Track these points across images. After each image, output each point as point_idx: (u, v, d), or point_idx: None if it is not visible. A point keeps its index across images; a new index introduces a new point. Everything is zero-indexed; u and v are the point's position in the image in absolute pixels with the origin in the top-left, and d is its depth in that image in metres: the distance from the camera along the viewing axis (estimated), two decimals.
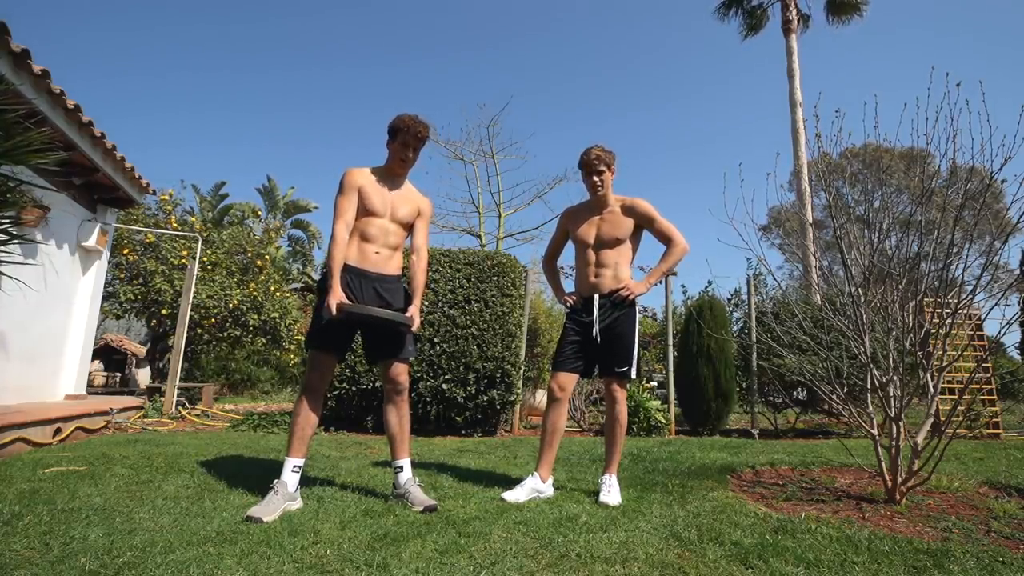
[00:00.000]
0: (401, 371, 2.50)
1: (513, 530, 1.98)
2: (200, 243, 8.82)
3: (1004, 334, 2.71)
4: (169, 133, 50.44)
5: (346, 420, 5.40)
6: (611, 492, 2.52)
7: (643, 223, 2.78)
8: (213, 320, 9.69)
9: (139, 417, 5.54)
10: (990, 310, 2.58)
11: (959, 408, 4.22)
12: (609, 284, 2.71)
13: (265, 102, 51.13)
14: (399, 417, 2.50)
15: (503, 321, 5.44)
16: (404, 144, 2.52)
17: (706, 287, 7.04)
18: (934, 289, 2.72)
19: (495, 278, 5.65)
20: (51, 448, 3.65)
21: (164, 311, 9.42)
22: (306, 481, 2.58)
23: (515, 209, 14.01)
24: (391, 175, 2.60)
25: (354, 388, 5.32)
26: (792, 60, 13.38)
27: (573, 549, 1.79)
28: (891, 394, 2.64)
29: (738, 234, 3.06)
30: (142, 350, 13.65)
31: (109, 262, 6.77)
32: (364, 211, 2.49)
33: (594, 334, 2.66)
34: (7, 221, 2.43)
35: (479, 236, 13.80)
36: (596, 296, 2.71)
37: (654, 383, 8.75)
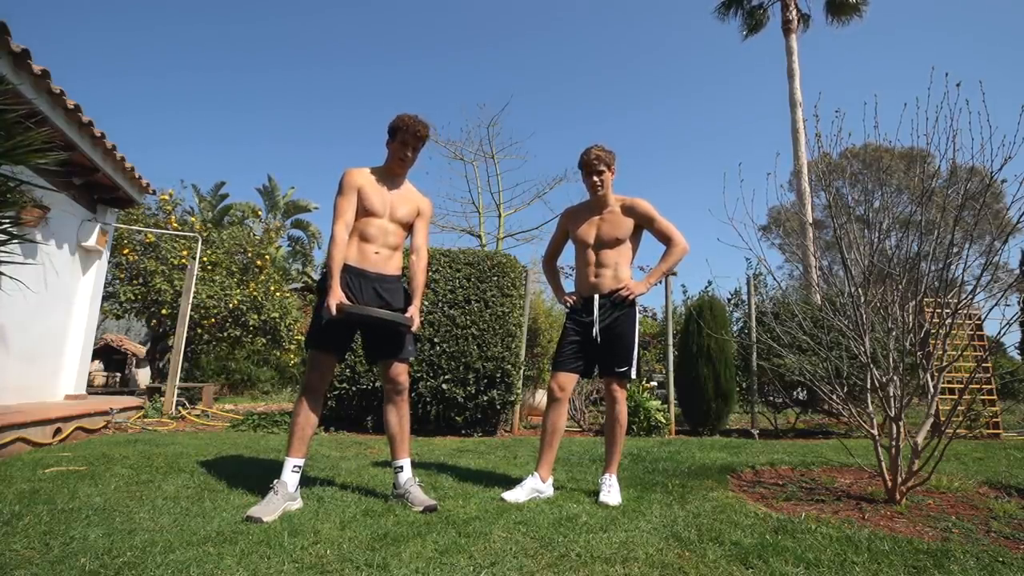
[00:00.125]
0: (401, 371, 2.50)
1: (513, 530, 1.98)
2: (200, 243, 8.82)
3: (1004, 334, 2.71)
4: (169, 133, 50.56)
5: (346, 420, 5.40)
6: (611, 492, 2.52)
7: (643, 223, 2.78)
8: (213, 320, 9.69)
9: (139, 417, 5.54)
10: (990, 310, 2.59)
11: (959, 408, 4.23)
12: (609, 284, 2.71)
13: (265, 102, 51.22)
14: (399, 417, 2.50)
15: (503, 321, 5.44)
16: (403, 143, 2.52)
17: (706, 287, 7.05)
18: (934, 289, 2.72)
19: (495, 278, 5.65)
20: (51, 448, 3.65)
21: (164, 311, 9.43)
22: (306, 481, 2.58)
23: (515, 209, 14.03)
24: (390, 175, 2.60)
25: (354, 388, 5.32)
26: (792, 60, 13.38)
27: (573, 549, 1.79)
28: (891, 394, 2.64)
29: (738, 234, 3.07)
30: (142, 350, 13.65)
31: (109, 262, 6.77)
32: (363, 211, 2.49)
33: (594, 334, 2.66)
34: (7, 221, 2.43)
35: (479, 236, 13.81)
36: (596, 296, 2.71)
37: (654, 383, 8.74)
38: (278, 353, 12.09)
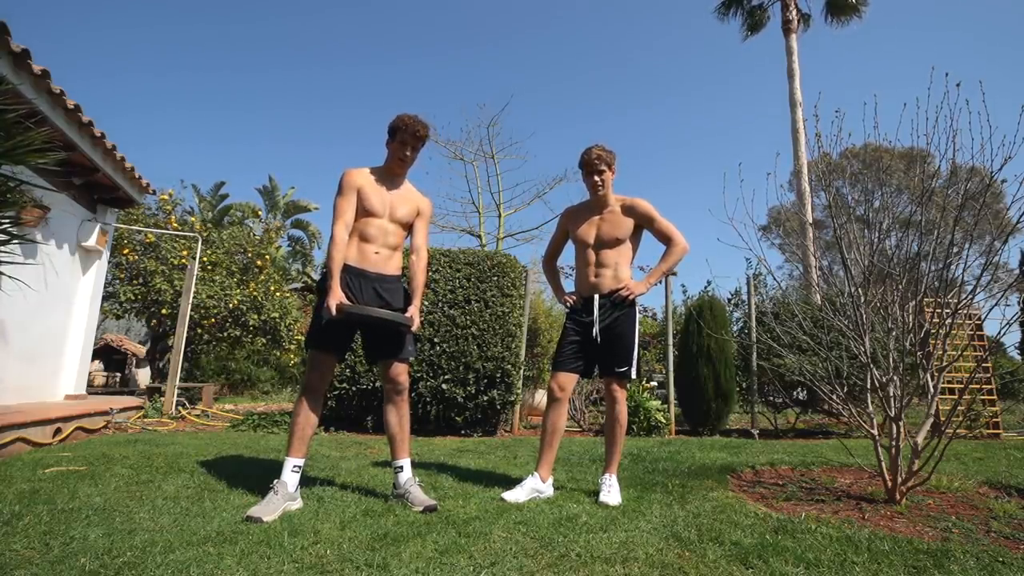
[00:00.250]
0: (401, 371, 2.50)
1: (513, 530, 1.98)
2: (200, 243, 8.82)
3: (1004, 334, 2.71)
4: (169, 132, 50.58)
5: (346, 420, 5.40)
6: (611, 492, 2.52)
7: (643, 223, 2.78)
8: (213, 320, 9.69)
9: (139, 417, 5.54)
10: (990, 310, 2.58)
11: (959, 408, 4.23)
12: (609, 284, 2.71)
13: (265, 102, 51.23)
14: (399, 417, 2.50)
15: (503, 321, 5.44)
16: (403, 143, 2.52)
17: (706, 287, 7.04)
18: (934, 289, 2.72)
19: (495, 278, 5.65)
20: (51, 448, 3.65)
21: (164, 311, 9.43)
22: (306, 481, 2.58)
23: (515, 209, 14.04)
24: (390, 175, 2.60)
25: (354, 388, 5.32)
26: (792, 60, 13.38)
27: (573, 549, 1.79)
28: (891, 394, 2.64)
29: (738, 234, 3.07)
30: (142, 350, 13.65)
31: (109, 262, 6.77)
32: (363, 211, 2.49)
33: (594, 334, 2.66)
34: (7, 221, 2.42)
35: (479, 236, 13.81)
36: (596, 296, 2.71)
37: (654, 383, 8.74)
38: (278, 353, 12.09)
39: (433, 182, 28.05)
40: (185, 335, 6.66)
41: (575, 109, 43.74)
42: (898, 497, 2.53)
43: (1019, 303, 4.45)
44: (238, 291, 9.91)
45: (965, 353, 5.68)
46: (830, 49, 46.90)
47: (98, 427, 4.57)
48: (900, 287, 2.74)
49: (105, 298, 8.38)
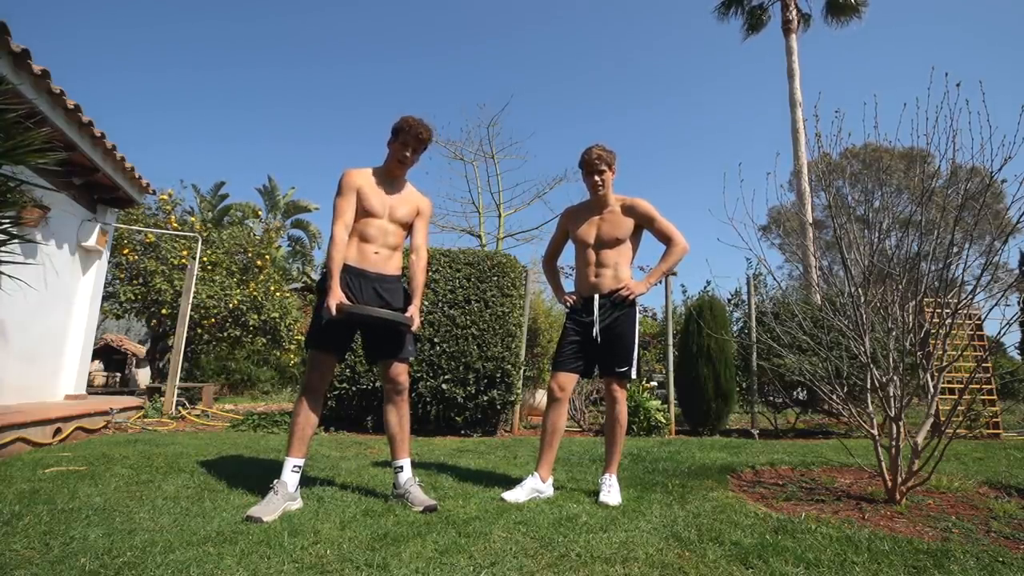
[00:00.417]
0: (401, 371, 2.50)
1: (513, 530, 1.98)
2: (200, 243, 8.82)
3: (1004, 334, 2.71)
4: (169, 132, 50.63)
5: (346, 420, 5.40)
6: (611, 492, 2.52)
7: (643, 223, 2.78)
8: (213, 320, 9.69)
9: (139, 417, 5.54)
10: (990, 310, 2.59)
11: (959, 408, 4.23)
12: (609, 284, 2.71)
13: (265, 101, 51.30)
14: (399, 417, 2.50)
15: (503, 321, 5.44)
16: (404, 144, 2.52)
17: (706, 287, 7.04)
18: (934, 289, 2.72)
19: (495, 278, 5.65)
20: (51, 448, 3.64)
21: (164, 311, 9.43)
22: (306, 481, 2.58)
23: (515, 209, 14.04)
24: (390, 175, 2.60)
25: (354, 388, 5.32)
26: (792, 60, 13.39)
27: (573, 549, 1.79)
28: (891, 394, 2.64)
29: (738, 234, 3.07)
30: (142, 350, 13.66)
31: (109, 262, 6.77)
32: (363, 212, 2.49)
33: (594, 334, 2.66)
34: (7, 221, 2.43)
35: (479, 236, 13.81)
36: (596, 296, 2.71)
37: (654, 383, 8.74)
38: (278, 353, 12.09)
39: (433, 182, 28.13)
40: (185, 335, 6.66)
41: (575, 109, 43.79)
42: (898, 497, 2.53)
43: (1019, 303, 4.45)
44: (238, 291, 9.91)
45: (965, 353, 5.68)
46: (830, 49, 46.91)
47: (98, 427, 4.57)
48: (900, 287, 2.74)
49: (105, 298, 8.38)
